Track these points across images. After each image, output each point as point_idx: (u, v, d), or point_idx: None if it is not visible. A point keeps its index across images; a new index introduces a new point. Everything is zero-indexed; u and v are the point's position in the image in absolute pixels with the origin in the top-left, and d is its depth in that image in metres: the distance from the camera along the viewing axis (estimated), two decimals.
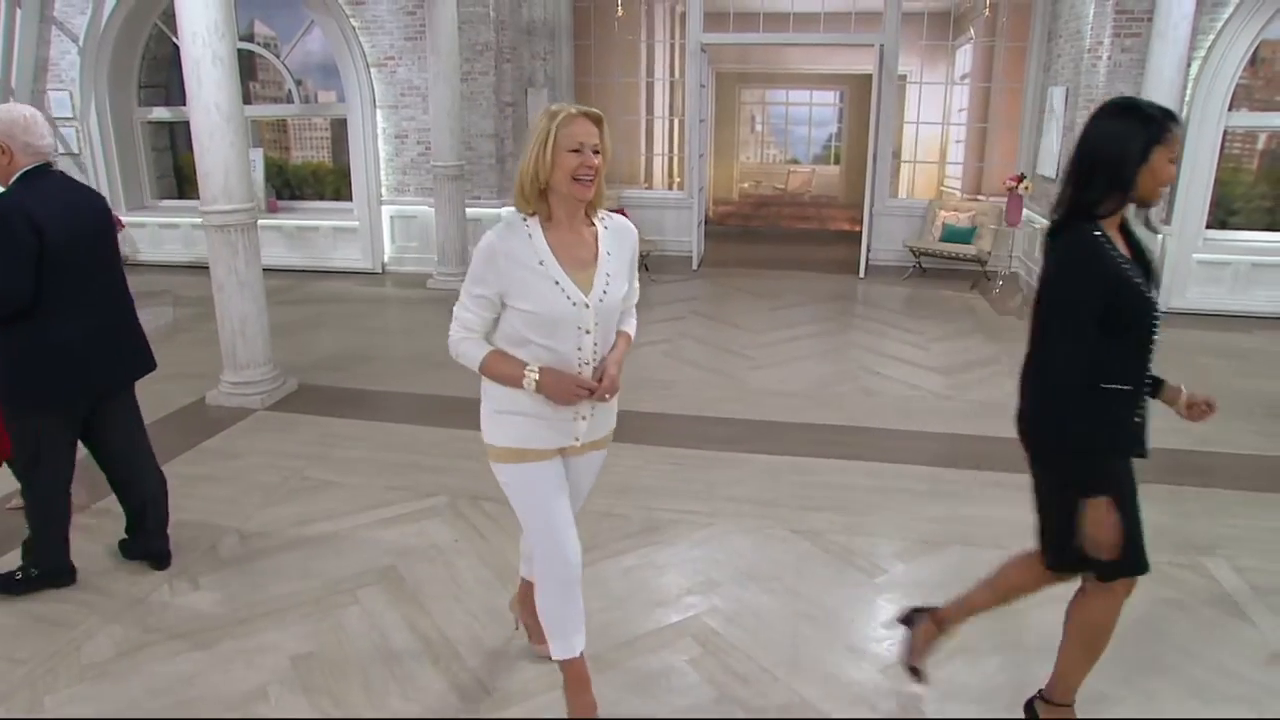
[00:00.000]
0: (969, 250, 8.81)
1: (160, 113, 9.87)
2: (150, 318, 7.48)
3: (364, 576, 3.37)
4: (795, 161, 17.67)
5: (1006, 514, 3.90)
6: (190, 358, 6.14)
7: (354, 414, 5.15)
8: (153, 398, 5.33)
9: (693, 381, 5.76)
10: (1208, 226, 7.81)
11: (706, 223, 11.21)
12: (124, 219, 8.48)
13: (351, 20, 8.71)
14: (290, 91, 9.53)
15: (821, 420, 5.01)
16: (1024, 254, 9.10)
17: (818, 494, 4.08)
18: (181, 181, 10.35)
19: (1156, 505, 3.94)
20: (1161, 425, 4.63)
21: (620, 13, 9.27)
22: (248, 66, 10.01)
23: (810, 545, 3.61)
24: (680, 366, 6.07)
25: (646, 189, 11.06)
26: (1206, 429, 4.71)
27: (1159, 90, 6.98)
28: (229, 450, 4.61)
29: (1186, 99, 7.41)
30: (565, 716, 2.48)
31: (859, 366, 6.12)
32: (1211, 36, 7.36)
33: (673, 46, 11.66)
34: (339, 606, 3.17)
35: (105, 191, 9.60)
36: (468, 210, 8.47)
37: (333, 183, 10.11)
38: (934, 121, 10.89)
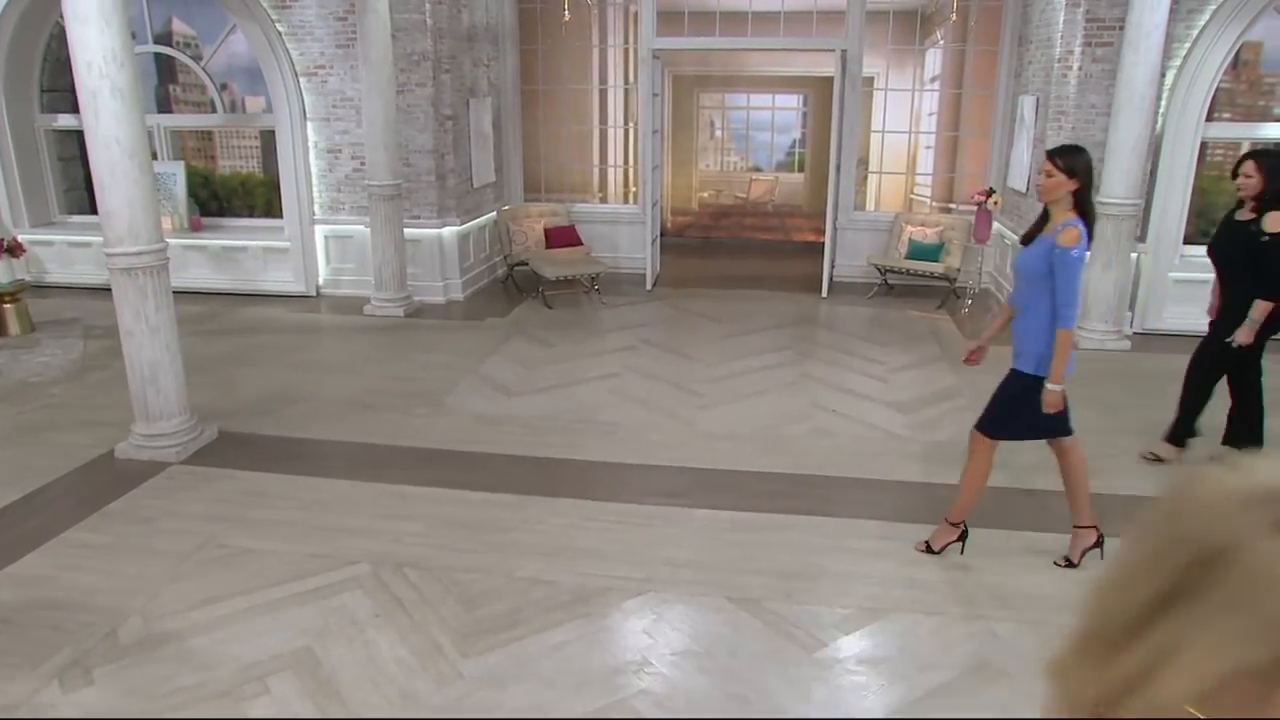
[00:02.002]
0: (936, 268, 9.00)
1: (66, 120, 9.76)
2: (58, 351, 7.49)
3: (277, 661, 3.42)
4: (757, 169, 17.75)
5: (954, 576, 4.05)
6: (100, 401, 6.13)
7: (277, 467, 5.18)
8: (57, 449, 5.38)
9: (637, 424, 5.86)
10: (1186, 241, 7.96)
11: (664, 235, 11.34)
12: (23, 238, 8.36)
13: (277, 25, 8.70)
14: (214, 100, 9.50)
15: (770, 468, 5.13)
16: (995, 270, 9.32)
17: (760, 555, 4.20)
18: (93, 194, 10.23)
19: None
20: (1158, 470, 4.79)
21: (567, 16, 9.34)
22: (167, 69, 9.97)
23: (748, 615, 3.73)
24: (625, 405, 6.17)
25: (600, 202, 11.17)
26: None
27: (1131, 102, 7.17)
28: (137, 513, 4.62)
29: (1161, 110, 7.62)
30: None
31: (813, 404, 6.25)
32: (1187, 45, 7.53)
33: (626, 51, 11.75)
34: (248, 698, 3.22)
35: (5, 206, 9.50)
36: (406, 231, 8.51)
37: (263, 195, 10.09)
38: (901, 130, 11.09)
